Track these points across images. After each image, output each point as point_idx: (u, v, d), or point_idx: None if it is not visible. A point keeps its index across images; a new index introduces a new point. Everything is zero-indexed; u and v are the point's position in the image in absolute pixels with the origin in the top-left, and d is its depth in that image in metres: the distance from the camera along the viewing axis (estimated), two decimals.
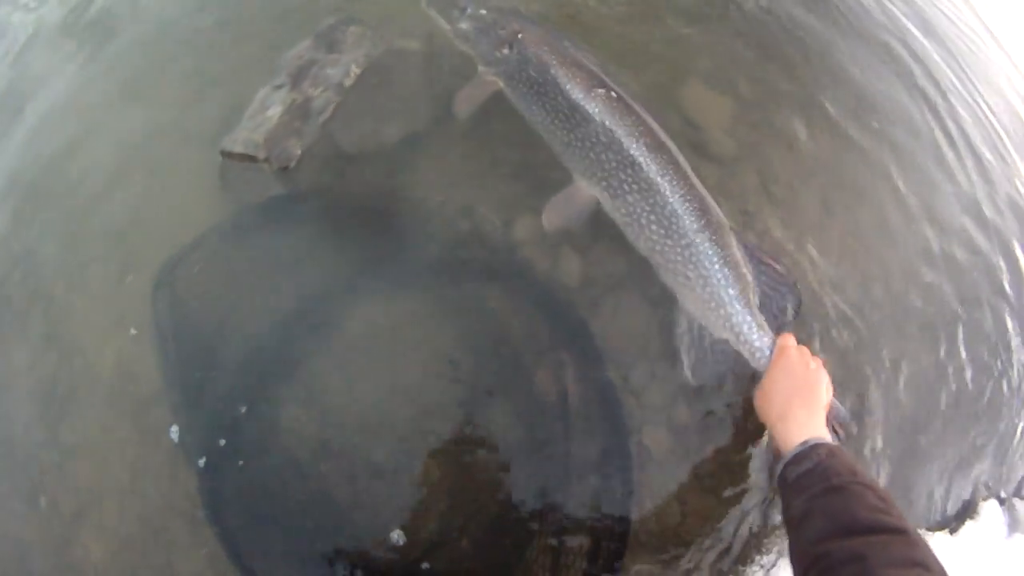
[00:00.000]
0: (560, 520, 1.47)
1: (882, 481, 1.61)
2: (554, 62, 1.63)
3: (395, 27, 2.00)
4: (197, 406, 1.58)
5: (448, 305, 1.67)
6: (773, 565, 1.48)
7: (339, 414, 1.58)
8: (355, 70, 1.91)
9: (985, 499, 1.75)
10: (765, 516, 1.52)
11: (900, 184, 1.97)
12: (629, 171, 1.52)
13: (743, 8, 2.18)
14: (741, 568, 1.49)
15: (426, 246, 1.71)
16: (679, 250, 1.49)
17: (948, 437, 1.74)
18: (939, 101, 2.24)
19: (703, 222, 1.49)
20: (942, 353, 1.80)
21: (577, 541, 1.46)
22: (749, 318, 1.47)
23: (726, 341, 1.49)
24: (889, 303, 1.79)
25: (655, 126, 1.58)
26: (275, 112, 1.81)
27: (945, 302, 1.86)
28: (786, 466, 1.26)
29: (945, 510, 1.71)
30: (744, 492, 1.53)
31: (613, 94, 1.58)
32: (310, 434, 1.56)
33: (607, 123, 1.55)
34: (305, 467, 1.54)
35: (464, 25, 1.75)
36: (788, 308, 1.53)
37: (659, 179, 1.51)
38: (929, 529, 1.67)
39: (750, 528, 1.51)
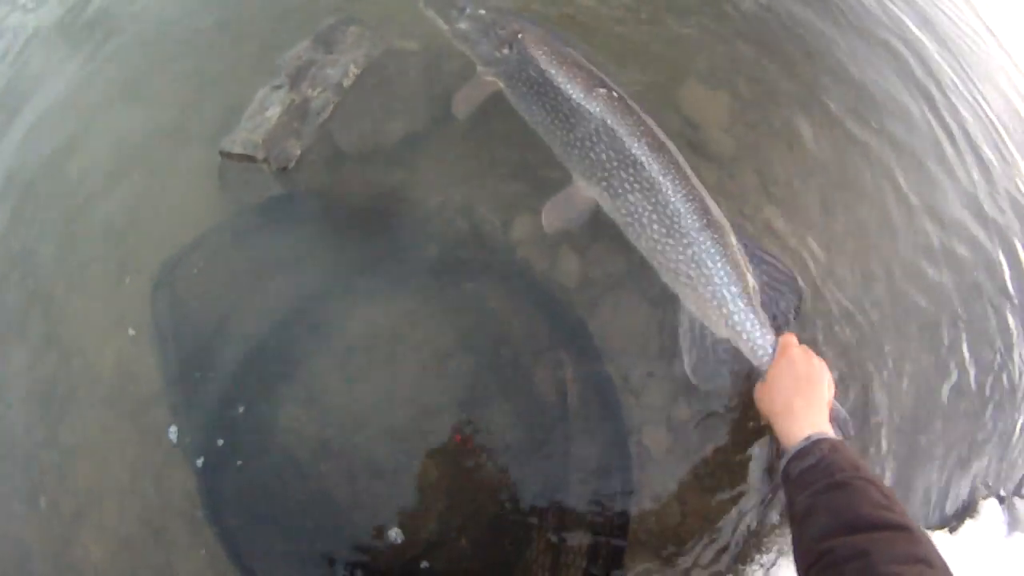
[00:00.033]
0: (560, 519, 1.47)
1: (882, 479, 1.61)
2: (555, 62, 1.63)
3: (394, 27, 2.00)
4: (196, 406, 1.58)
5: (447, 305, 1.67)
6: (773, 564, 1.48)
7: (339, 414, 1.59)
8: (354, 70, 1.91)
9: (985, 498, 1.75)
10: (764, 515, 1.52)
11: (901, 181, 1.97)
12: (631, 170, 1.52)
13: (742, 7, 2.17)
14: (741, 567, 1.49)
15: (425, 246, 1.71)
16: (681, 249, 1.49)
17: (948, 435, 1.74)
18: (939, 99, 2.23)
19: (705, 221, 1.49)
20: (943, 351, 1.80)
21: (577, 540, 1.46)
22: (752, 316, 1.47)
23: (728, 340, 1.49)
24: (890, 300, 1.79)
25: (654, 125, 1.58)
26: (274, 112, 1.81)
27: (946, 299, 1.86)
28: (789, 461, 1.26)
29: (945, 508, 1.71)
30: (743, 491, 1.53)
31: (614, 94, 1.58)
32: (310, 434, 1.57)
33: (609, 123, 1.55)
34: (305, 467, 1.54)
35: (463, 25, 1.75)
36: (790, 306, 1.54)
37: (661, 178, 1.50)
38: (929, 528, 1.67)
39: (749, 527, 1.51)
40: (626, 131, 1.54)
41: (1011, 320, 1.91)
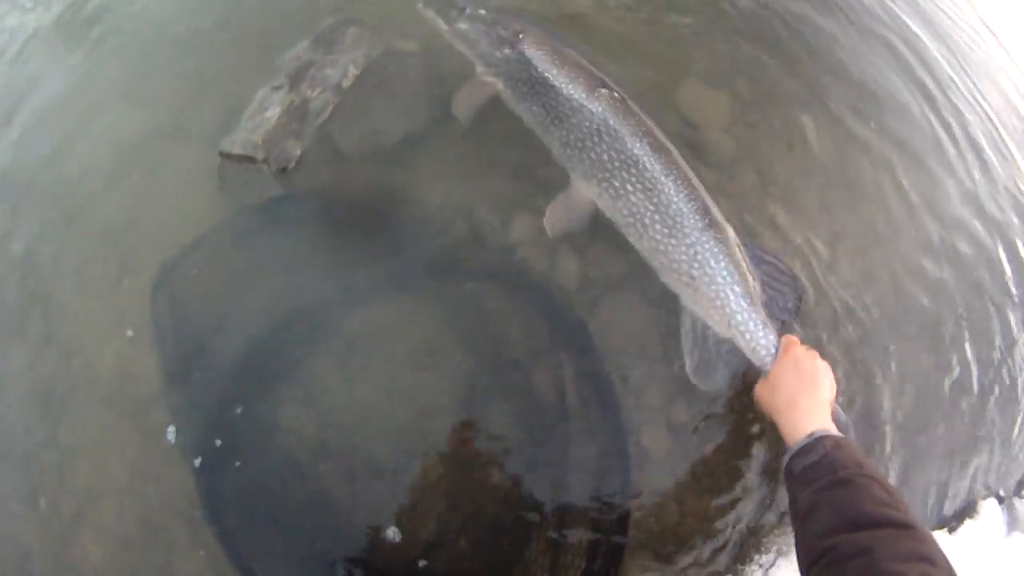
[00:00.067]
0: (559, 520, 1.47)
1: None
2: (556, 62, 1.63)
3: (394, 28, 2.00)
4: (195, 406, 1.58)
5: (447, 305, 1.67)
6: (772, 565, 1.48)
7: (338, 414, 1.59)
8: (353, 71, 1.91)
9: (984, 498, 1.75)
10: (763, 516, 1.52)
11: (902, 180, 1.97)
12: (633, 171, 1.52)
13: (741, 5, 2.17)
14: (740, 567, 1.49)
15: (425, 246, 1.71)
16: (684, 249, 1.48)
17: (947, 435, 1.74)
18: (939, 98, 2.24)
19: (707, 221, 1.49)
20: (944, 350, 1.80)
21: (576, 541, 1.46)
22: (755, 316, 1.47)
23: (730, 341, 1.49)
24: (892, 298, 1.80)
25: (653, 126, 1.58)
26: (273, 113, 1.81)
27: (948, 297, 1.86)
28: (792, 458, 1.26)
29: (944, 509, 1.71)
30: (742, 492, 1.53)
31: (616, 95, 1.58)
32: (309, 434, 1.57)
33: (611, 123, 1.54)
34: (304, 467, 1.54)
35: (463, 25, 1.75)
36: (791, 305, 1.54)
37: (664, 178, 1.50)
38: (928, 527, 1.67)
39: (748, 527, 1.51)
40: (629, 131, 1.54)
41: (1012, 318, 1.91)
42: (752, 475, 1.53)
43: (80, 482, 1.62)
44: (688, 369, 1.50)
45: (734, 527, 1.50)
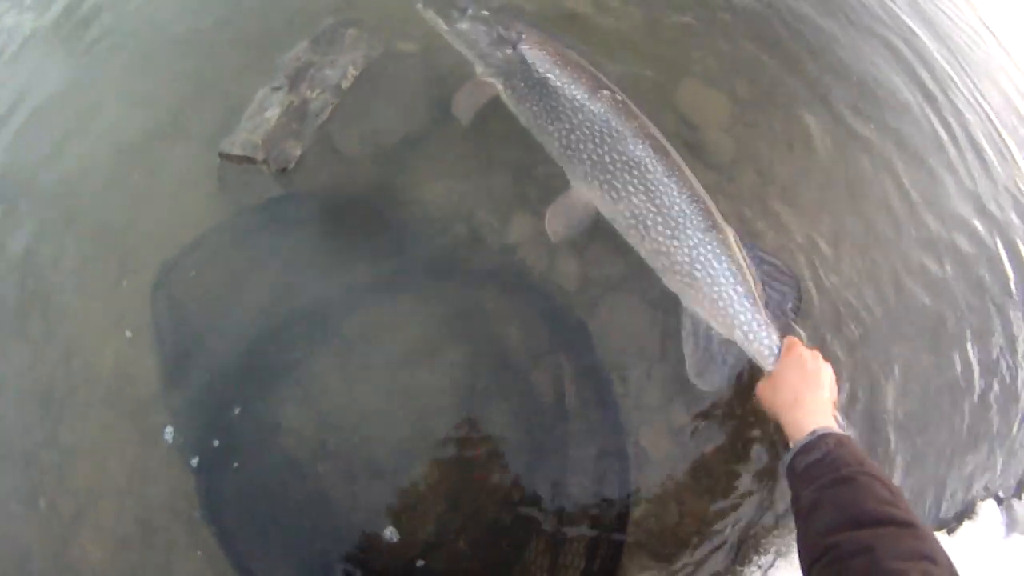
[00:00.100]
0: (558, 520, 1.47)
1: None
2: (558, 63, 1.62)
3: (393, 28, 1.99)
4: (195, 407, 1.58)
5: (447, 306, 1.67)
6: (771, 565, 1.48)
7: (338, 415, 1.59)
8: (352, 72, 1.91)
9: (983, 499, 1.75)
10: (762, 517, 1.52)
11: (903, 179, 1.97)
12: (635, 172, 1.51)
13: (740, 4, 2.17)
14: (739, 568, 1.49)
15: (424, 247, 1.71)
16: (686, 250, 1.48)
17: (948, 435, 1.74)
18: (940, 97, 2.24)
19: (710, 222, 1.49)
20: (944, 350, 1.80)
21: (575, 541, 1.46)
22: (758, 316, 1.47)
23: (732, 341, 1.49)
24: (894, 297, 1.80)
25: (653, 127, 1.58)
26: (273, 114, 1.81)
27: (949, 295, 1.86)
28: (795, 456, 1.26)
29: (943, 510, 1.71)
30: (741, 492, 1.53)
31: (617, 96, 1.58)
32: (309, 435, 1.57)
33: (613, 124, 1.54)
34: (304, 467, 1.54)
35: (464, 26, 1.74)
36: (792, 305, 1.54)
37: (667, 180, 1.50)
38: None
39: (747, 528, 1.51)
40: (631, 133, 1.54)
41: (1013, 317, 1.91)
42: (751, 476, 1.53)
43: (80, 482, 1.62)
44: (689, 370, 1.49)
45: (733, 528, 1.50)
